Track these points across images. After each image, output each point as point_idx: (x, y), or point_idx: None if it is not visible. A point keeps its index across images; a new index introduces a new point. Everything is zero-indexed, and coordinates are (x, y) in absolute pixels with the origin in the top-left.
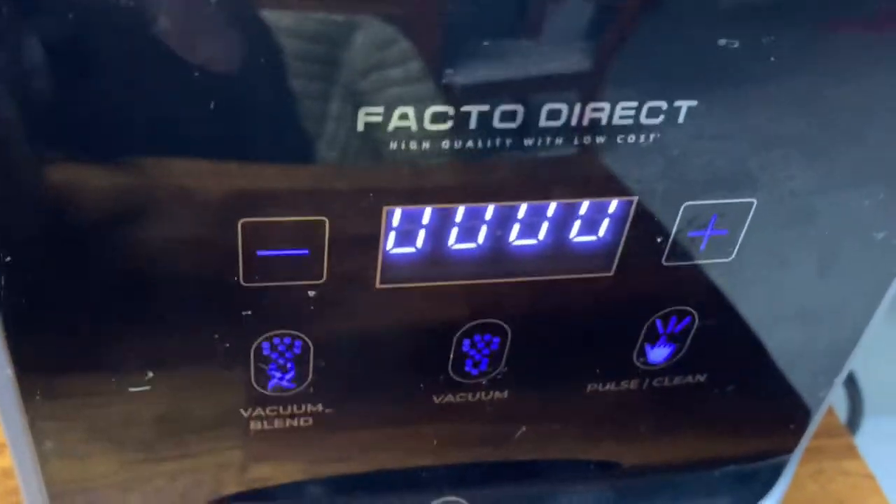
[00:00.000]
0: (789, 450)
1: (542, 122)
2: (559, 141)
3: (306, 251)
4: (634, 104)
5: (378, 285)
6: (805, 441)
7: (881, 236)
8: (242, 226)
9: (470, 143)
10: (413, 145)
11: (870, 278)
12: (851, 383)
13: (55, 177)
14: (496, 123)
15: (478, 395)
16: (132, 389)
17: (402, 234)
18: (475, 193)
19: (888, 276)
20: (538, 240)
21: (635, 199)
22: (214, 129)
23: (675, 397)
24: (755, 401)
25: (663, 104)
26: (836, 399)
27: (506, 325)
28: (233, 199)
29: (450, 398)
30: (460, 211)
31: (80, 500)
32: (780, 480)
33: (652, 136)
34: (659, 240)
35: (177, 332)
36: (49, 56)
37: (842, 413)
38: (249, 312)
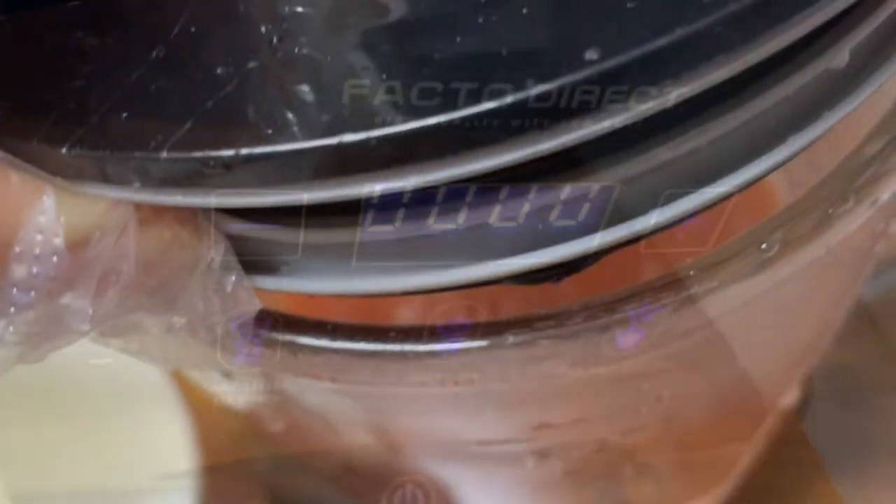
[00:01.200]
0: (745, 437)
1: (531, 104)
2: (548, 122)
3: None
4: (625, 88)
5: None
6: (762, 430)
7: None
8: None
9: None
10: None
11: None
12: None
13: None
14: (484, 102)
15: None
16: None
17: None
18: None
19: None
20: None
21: (617, 186)
22: None
23: None
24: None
25: (653, 90)
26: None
27: None
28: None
29: None
30: None
31: None
32: (734, 468)
33: (640, 122)
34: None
35: None
36: None
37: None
38: None
